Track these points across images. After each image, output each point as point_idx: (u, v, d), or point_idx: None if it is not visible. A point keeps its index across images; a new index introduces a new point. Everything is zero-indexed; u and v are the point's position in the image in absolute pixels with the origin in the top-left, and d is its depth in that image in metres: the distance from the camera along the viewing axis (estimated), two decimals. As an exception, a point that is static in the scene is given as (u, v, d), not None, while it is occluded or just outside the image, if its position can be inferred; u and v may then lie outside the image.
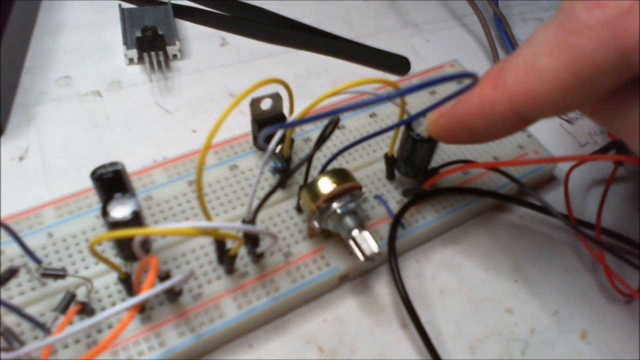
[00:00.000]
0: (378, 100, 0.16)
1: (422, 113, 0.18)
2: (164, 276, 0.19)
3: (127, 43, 0.29)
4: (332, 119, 0.20)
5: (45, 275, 0.19)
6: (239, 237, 0.19)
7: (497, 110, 0.17)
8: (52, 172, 0.25)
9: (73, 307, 0.18)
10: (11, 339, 0.17)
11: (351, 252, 0.21)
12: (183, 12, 0.32)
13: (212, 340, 0.20)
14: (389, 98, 0.17)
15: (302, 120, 0.17)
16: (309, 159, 0.21)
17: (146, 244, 0.20)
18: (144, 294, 0.15)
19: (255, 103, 0.23)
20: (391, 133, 0.24)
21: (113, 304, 0.20)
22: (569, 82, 0.15)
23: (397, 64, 0.31)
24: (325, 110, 0.15)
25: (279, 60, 0.31)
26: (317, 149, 0.20)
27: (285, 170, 0.23)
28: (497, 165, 0.24)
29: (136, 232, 0.15)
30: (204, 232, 0.16)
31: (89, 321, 0.15)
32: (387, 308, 0.22)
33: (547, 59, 0.16)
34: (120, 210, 0.17)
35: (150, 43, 0.29)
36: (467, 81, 0.16)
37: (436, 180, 0.24)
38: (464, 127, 0.19)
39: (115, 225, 0.17)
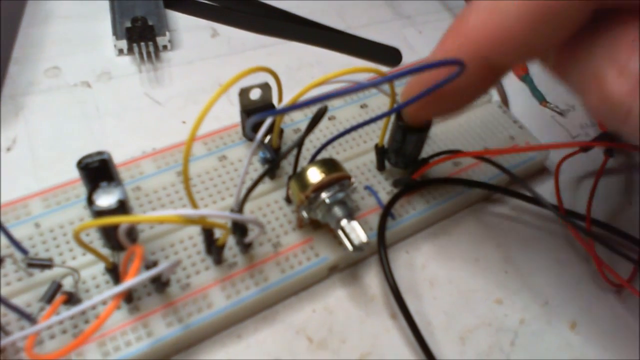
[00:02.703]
0: (364, 87, 0.16)
1: (412, 101, 0.18)
2: (151, 266, 0.19)
3: (116, 34, 0.29)
4: (320, 109, 0.20)
5: (31, 265, 0.19)
6: (227, 227, 0.18)
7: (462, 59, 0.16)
8: (41, 163, 0.24)
9: (59, 297, 0.18)
10: (-4, 329, 0.17)
11: (340, 243, 0.21)
12: (173, 3, 0.32)
13: (200, 331, 0.20)
14: (374, 85, 0.16)
15: (289, 108, 0.17)
16: (299, 145, 0.21)
17: (132, 233, 0.20)
18: (129, 282, 0.15)
19: (244, 93, 0.22)
20: (381, 124, 0.24)
21: (100, 295, 0.19)
22: (532, 17, 0.15)
23: (389, 55, 0.31)
24: (313, 98, 0.15)
25: (270, 52, 0.31)
26: (308, 134, 0.20)
27: (274, 160, 0.23)
28: (486, 154, 0.24)
29: (121, 220, 0.15)
30: (190, 220, 0.16)
31: (73, 309, 0.15)
32: (377, 298, 0.22)
33: None
34: (106, 199, 0.17)
35: (140, 34, 0.29)
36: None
37: (426, 171, 0.24)
38: (431, 94, 0.18)
39: (100, 214, 0.17)
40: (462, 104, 0.19)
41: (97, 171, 0.18)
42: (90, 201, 0.17)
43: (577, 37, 0.15)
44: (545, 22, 0.15)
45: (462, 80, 0.17)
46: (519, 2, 0.15)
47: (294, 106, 0.16)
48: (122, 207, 0.17)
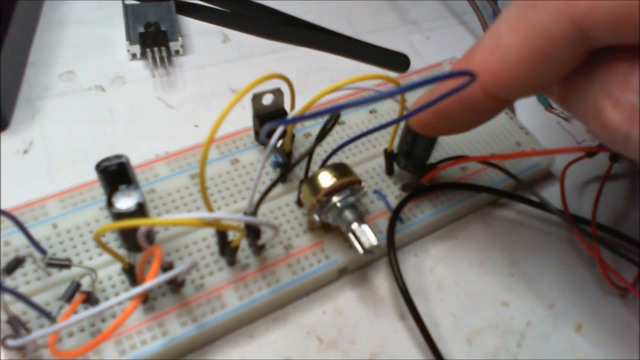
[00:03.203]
0: (379, 97, 0.16)
1: (421, 109, 0.19)
2: (167, 267, 0.19)
3: (130, 39, 0.30)
4: (332, 115, 0.20)
5: (50, 265, 0.20)
6: (241, 229, 0.19)
7: (468, 93, 0.17)
8: (56, 165, 0.25)
9: (78, 297, 0.18)
10: (18, 326, 0.18)
11: (350, 246, 0.22)
12: (185, 9, 0.33)
13: (213, 330, 0.20)
14: (390, 95, 0.17)
15: (303, 117, 0.17)
16: (309, 153, 0.21)
17: (150, 235, 0.21)
18: (149, 283, 0.15)
19: (256, 98, 0.23)
20: (390, 129, 0.24)
21: (117, 295, 0.20)
22: (530, 58, 0.15)
23: (397, 61, 0.31)
24: (326, 107, 0.16)
25: (279, 57, 0.32)
26: (318, 144, 0.20)
27: (286, 165, 0.23)
28: (492, 159, 0.24)
29: (141, 223, 0.15)
30: (207, 223, 0.16)
31: (94, 309, 0.15)
32: (386, 300, 0.22)
33: (509, 35, 0.16)
34: (125, 202, 0.17)
35: (153, 39, 0.29)
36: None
37: (434, 176, 0.24)
38: (441, 115, 0.19)
39: (120, 216, 0.17)
40: (467, 128, 0.20)
41: (116, 174, 0.19)
42: (110, 204, 0.17)
43: (576, 72, 0.16)
44: (543, 63, 0.16)
45: (468, 109, 0.18)
46: (515, 41, 0.16)
47: (309, 115, 0.16)
48: (141, 210, 0.17)
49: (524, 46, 0.15)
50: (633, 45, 0.14)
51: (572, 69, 0.16)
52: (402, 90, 0.15)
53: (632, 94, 0.14)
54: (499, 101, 0.18)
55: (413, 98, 0.28)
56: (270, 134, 0.19)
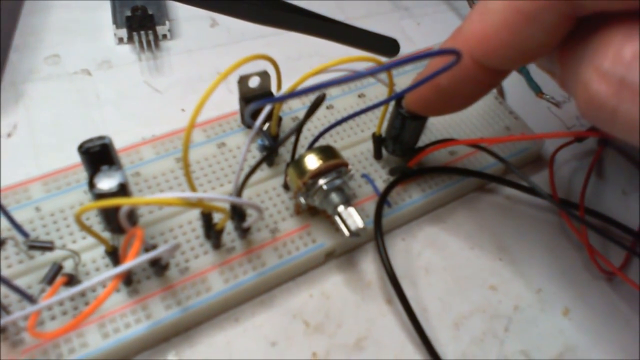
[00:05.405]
0: (363, 75, 0.16)
1: (410, 89, 0.18)
2: (150, 249, 0.19)
3: (116, 22, 0.29)
4: (319, 95, 0.20)
5: (32, 247, 0.19)
6: (226, 210, 0.19)
7: (458, 64, 0.17)
8: (41, 149, 0.25)
9: (60, 279, 0.18)
10: (-2, 309, 0.17)
11: (337, 229, 0.22)
12: (173, -7, 0.32)
13: (198, 314, 0.20)
14: (373, 73, 0.17)
15: (287, 95, 0.17)
16: (297, 130, 0.21)
17: (133, 217, 0.20)
18: (129, 263, 0.15)
19: (243, 80, 0.23)
20: (379, 113, 0.24)
21: (100, 278, 0.20)
22: (514, 19, 0.15)
23: (387, 46, 0.31)
24: (312, 85, 0.16)
25: (269, 42, 0.31)
26: (306, 121, 0.20)
27: (272, 147, 0.23)
28: (480, 142, 0.24)
29: (121, 202, 0.15)
30: (189, 203, 0.16)
31: (74, 288, 0.15)
32: (373, 284, 0.22)
33: (494, 1, 0.16)
34: (107, 182, 0.17)
35: (140, 22, 0.29)
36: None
37: (423, 160, 0.24)
38: (434, 89, 0.19)
39: (102, 197, 0.17)
40: (463, 104, 0.20)
41: (98, 155, 0.18)
42: (91, 184, 0.17)
43: (570, 47, 0.16)
44: (527, 25, 0.16)
45: (461, 82, 0.18)
46: (500, 4, 0.16)
47: (293, 94, 0.16)
48: (123, 190, 0.17)
49: (508, 8, 0.15)
50: (630, 11, 0.14)
51: (560, 36, 0.16)
52: (386, 68, 0.15)
53: (622, 66, 0.14)
54: (489, 72, 0.17)
55: (402, 82, 0.28)
56: (255, 115, 0.19)
